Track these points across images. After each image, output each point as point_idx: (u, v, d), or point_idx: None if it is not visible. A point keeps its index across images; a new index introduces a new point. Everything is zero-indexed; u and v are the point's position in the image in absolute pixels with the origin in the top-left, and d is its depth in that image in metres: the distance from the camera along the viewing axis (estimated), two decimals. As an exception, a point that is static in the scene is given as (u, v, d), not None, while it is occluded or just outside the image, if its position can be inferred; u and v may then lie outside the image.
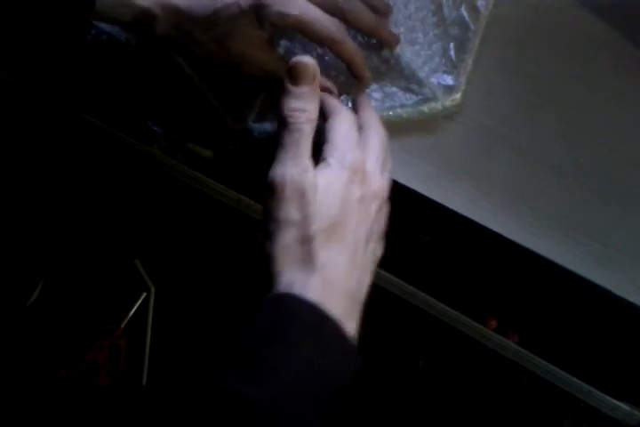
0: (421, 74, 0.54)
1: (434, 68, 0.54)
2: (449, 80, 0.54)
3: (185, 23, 0.48)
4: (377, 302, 0.56)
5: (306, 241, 0.39)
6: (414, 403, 0.61)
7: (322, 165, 0.42)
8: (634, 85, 0.54)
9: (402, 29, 0.56)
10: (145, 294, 0.67)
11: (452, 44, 0.55)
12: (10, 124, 0.61)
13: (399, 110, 0.53)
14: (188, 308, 0.66)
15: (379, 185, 0.43)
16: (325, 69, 0.52)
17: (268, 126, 0.55)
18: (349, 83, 0.53)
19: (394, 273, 0.54)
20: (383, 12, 0.52)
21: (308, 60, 0.43)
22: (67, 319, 0.65)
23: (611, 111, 0.53)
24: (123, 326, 0.66)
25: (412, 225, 0.55)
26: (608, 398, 0.52)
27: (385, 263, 0.54)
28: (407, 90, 0.54)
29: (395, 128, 0.52)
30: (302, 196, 0.40)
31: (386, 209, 0.45)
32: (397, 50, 0.54)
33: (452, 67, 0.54)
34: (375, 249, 0.44)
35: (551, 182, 0.51)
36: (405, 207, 0.52)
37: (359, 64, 0.50)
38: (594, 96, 0.54)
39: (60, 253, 0.65)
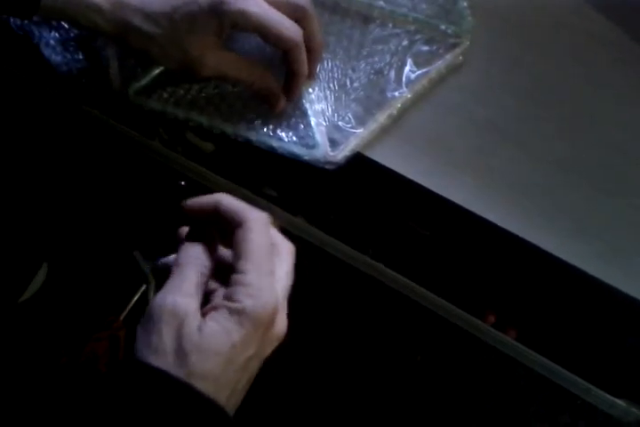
0: (314, 118, 0.52)
1: (337, 117, 0.53)
2: (337, 135, 0.52)
3: (136, 20, 0.46)
4: (375, 295, 0.56)
5: (182, 365, 0.34)
6: (411, 398, 0.61)
7: (225, 307, 0.35)
8: (636, 82, 0.53)
9: (336, 73, 0.55)
10: (144, 287, 0.67)
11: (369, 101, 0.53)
12: (10, 115, 0.62)
13: (274, 143, 0.51)
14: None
15: (281, 328, 0.38)
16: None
17: (149, 102, 0.54)
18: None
19: (392, 267, 0.54)
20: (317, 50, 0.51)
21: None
22: (65, 311, 0.65)
23: (612, 108, 0.53)
24: (122, 317, 0.66)
25: (410, 219, 0.54)
26: (606, 395, 0.52)
27: (383, 257, 0.54)
28: (291, 127, 0.52)
29: (394, 119, 0.52)
30: (180, 326, 0.34)
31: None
32: (311, 87, 0.53)
33: (359, 122, 0.52)
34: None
35: (552, 177, 0.51)
36: (404, 200, 0.52)
37: (302, 77, 0.49)
38: (596, 93, 0.54)
39: (59, 245, 0.66)
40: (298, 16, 0.48)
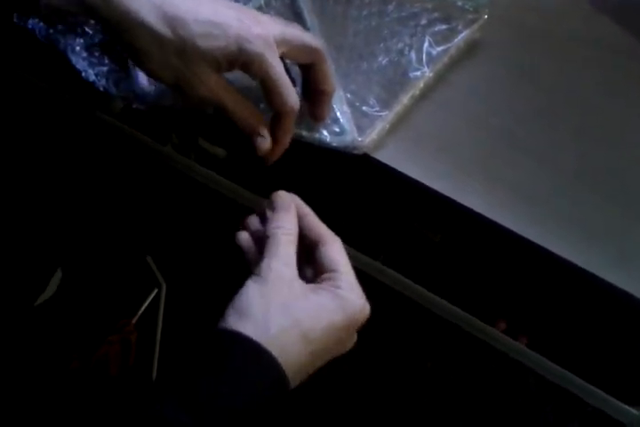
0: (339, 105, 0.52)
1: (361, 102, 0.52)
2: (363, 120, 0.51)
3: (149, 16, 0.42)
4: (385, 302, 0.57)
5: (286, 314, 0.38)
6: (422, 403, 0.61)
7: (331, 290, 0.39)
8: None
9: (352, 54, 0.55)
10: (156, 291, 0.67)
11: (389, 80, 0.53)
12: (26, 121, 0.62)
13: (302, 132, 0.50)
14: (199, 305, 0.67)
15: (354, 340, 0.41)
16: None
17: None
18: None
19: (403, 273, 0.54)
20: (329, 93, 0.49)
21: (282, 193, 0.44)
22: (79, 315, 0.66)
23: (624, 116, 0.53)
24: (134, 321, 0.67)
25: (422, 225, 0.54)
26: (616, 401, 0.52)
27: (394, 263, 0.54)
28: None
29: (406, 125, 0.52)
30: (288, 288, 0.38)
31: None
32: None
33: (384, 105, 0.52)
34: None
35: (565, 184, 0.51)
36: (416, 206, 0.52)
37: (283, 145, 0.48)
38: (607, 101, 0.54)
39: (74, 250, 0.66)
40: (313, 58, 0.47)
